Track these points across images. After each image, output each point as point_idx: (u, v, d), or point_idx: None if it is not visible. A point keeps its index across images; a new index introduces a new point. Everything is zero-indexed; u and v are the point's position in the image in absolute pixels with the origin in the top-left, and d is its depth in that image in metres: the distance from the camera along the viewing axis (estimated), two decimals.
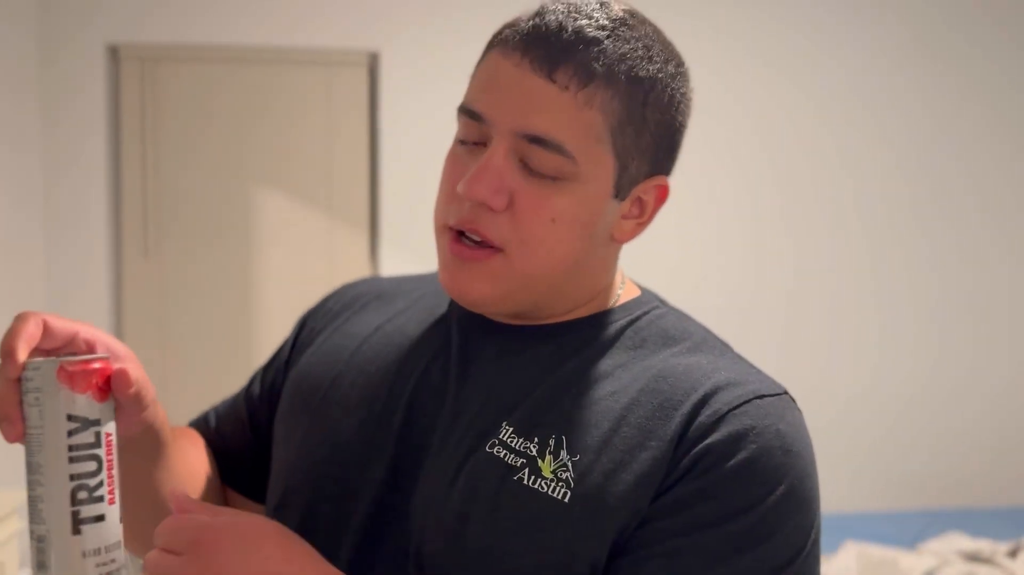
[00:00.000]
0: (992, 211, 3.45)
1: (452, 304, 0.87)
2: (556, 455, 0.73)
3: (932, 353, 3.42)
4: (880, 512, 3.13)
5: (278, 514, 0.83)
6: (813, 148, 3.36)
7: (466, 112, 0.77)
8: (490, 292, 0.77)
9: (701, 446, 0.71)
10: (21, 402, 0.68)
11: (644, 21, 0.78)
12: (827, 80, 3.34)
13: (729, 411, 0.73)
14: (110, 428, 0.70)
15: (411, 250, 3.14)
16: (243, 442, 0.97)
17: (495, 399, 0.78)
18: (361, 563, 0.77)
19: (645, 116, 0.75)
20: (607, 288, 0.84)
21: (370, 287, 0.97)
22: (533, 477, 0.73)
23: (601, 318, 0.82)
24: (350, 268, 3.18)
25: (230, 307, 3.14)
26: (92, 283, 3.08)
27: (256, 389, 0.99)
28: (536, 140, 0.73)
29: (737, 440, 0.71)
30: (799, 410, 0.78)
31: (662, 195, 0.82)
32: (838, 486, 3.27)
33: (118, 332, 3.16)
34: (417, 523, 0.76)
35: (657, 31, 0.78)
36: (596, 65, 0.72)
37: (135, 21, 3.09)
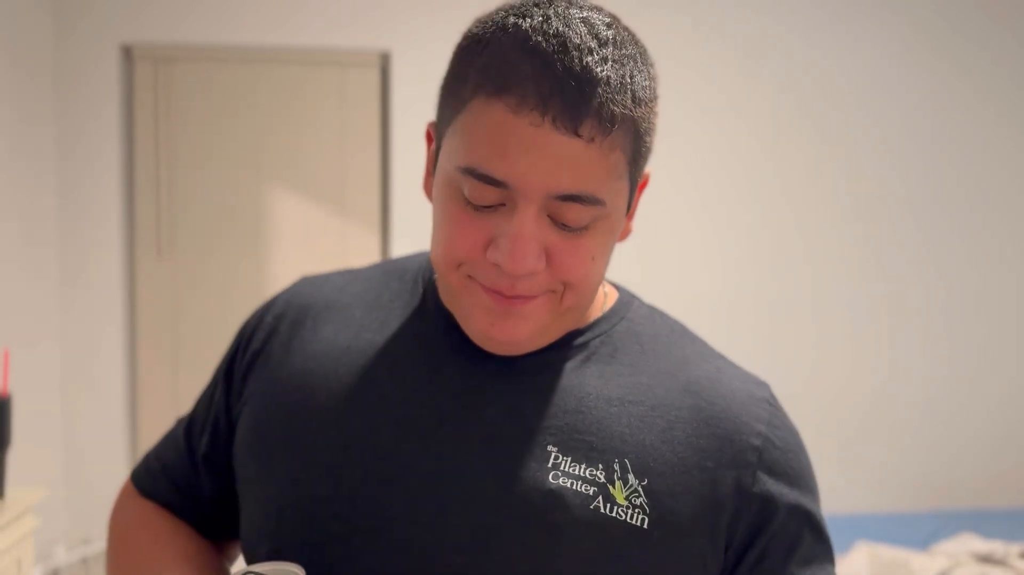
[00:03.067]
0: (999, 211, 3.43)
1: (427, 315, 0.83)
2: (625, 480, 0.73)
3: (944, 356, 3.41)
4: (892, 514, 3.12)
5: (274, 557, 0.77)
6: (819, 155, 3.35)
7: (480, 178, 0.70)
8: (534, 330, 0.75)
9: (761, 473, 0.77)
10: None
11: (617, 21, 0.73)
12: (830, 84, 3.33)
13: (766, 427, 0.79)
14: None
15: (422, 249, 3.14)
16: (212, 493, 0.92)
17: (524, 420, 0.75)
18: None
19: (646, 133, 0.75)
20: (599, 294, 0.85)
21: (312, 296, 0.89)
22: (608, 505, 0.72)
23: (601, 326, 0.82)
24: None
25: (243, 306, 3.15)
26: (105, 283, 3.10)
27: (205, 439, 0.92)
28: (571, 198, 0.70)
29: (785, 453, 0.79)
30: None
31: (644, 185, 0.80)
32: (851, 488, 3.27)
33: (131, 331, 3.17)
34: (470, 557, 0.71)
35: (625, 27, 0.74)
36: (613, 108, 0.69)
37: (149, 21, 3.10)
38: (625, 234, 0.81)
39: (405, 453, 0.75)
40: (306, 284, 0.92)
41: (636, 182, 0.77)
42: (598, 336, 0.81)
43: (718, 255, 3.33)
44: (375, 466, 0.75)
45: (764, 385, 0.83)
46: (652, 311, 0.87)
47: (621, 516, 0.72)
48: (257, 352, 0.88)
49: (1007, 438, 3.42)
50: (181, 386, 3.12)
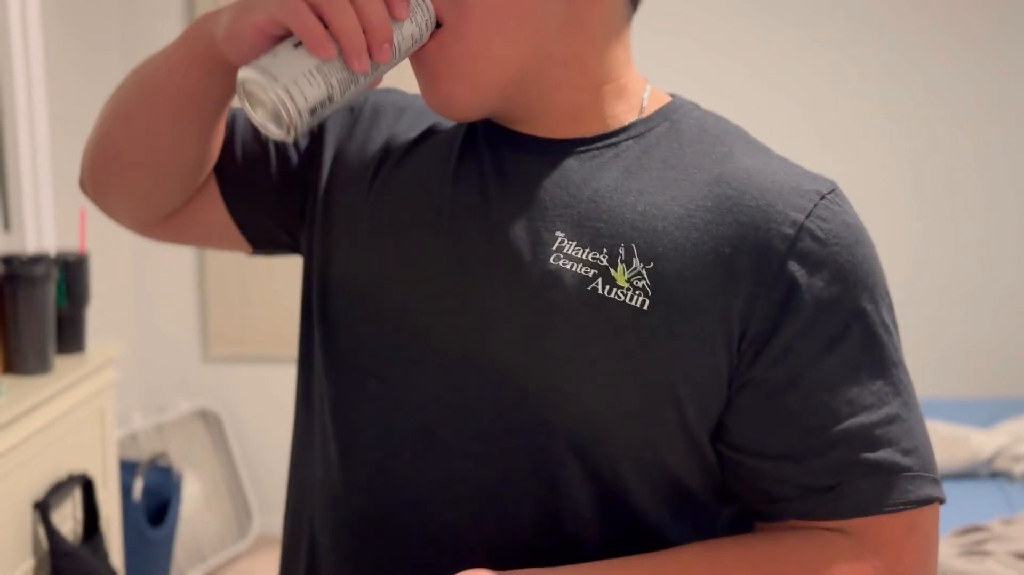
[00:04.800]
0: None
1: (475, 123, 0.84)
2: (629, 263, 0.72)
3: (1003, 241, 3.32)
4: (953, 398, 3.10)
5: (333, 335, 0.83)
6: (864, 32, 3.24)
7: None
8: (454, 83, 0.75)
9: (791, 262, 0.71)
10: None
11: None
12: None
13: (806, 217, 0.71)
14: None
15: None
16: (258, 168, 0.91)
17: (539, 210, 0.76)
18: (426, 387, 0.77)
19: None
20: (627, 92, 0.81)
21: (389, 99, 0.94)
22: (608, 287, 0.72)
23: (636, 128, 0.79)
24: None
25: None
26: None
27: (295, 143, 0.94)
28: None
29: (828, 246, 0.71)
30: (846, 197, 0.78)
31: None
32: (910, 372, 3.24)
33: None
34: (474, 339, 0.75)
35: None
36: None
37: None
38: None
39: (432, 244, 0.79)
40: (392, 91, 0.96)
41: None
42: (632, 138, 0.79)
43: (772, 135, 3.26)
44: (403, 257, 0.80)
45: (826, 181, 0.75)
46: (707, 115, 0.82)
47: (620, 297, 0.71)
48: (340, 134, 0.91)
49: None
50: (247, 264, 3.19)
